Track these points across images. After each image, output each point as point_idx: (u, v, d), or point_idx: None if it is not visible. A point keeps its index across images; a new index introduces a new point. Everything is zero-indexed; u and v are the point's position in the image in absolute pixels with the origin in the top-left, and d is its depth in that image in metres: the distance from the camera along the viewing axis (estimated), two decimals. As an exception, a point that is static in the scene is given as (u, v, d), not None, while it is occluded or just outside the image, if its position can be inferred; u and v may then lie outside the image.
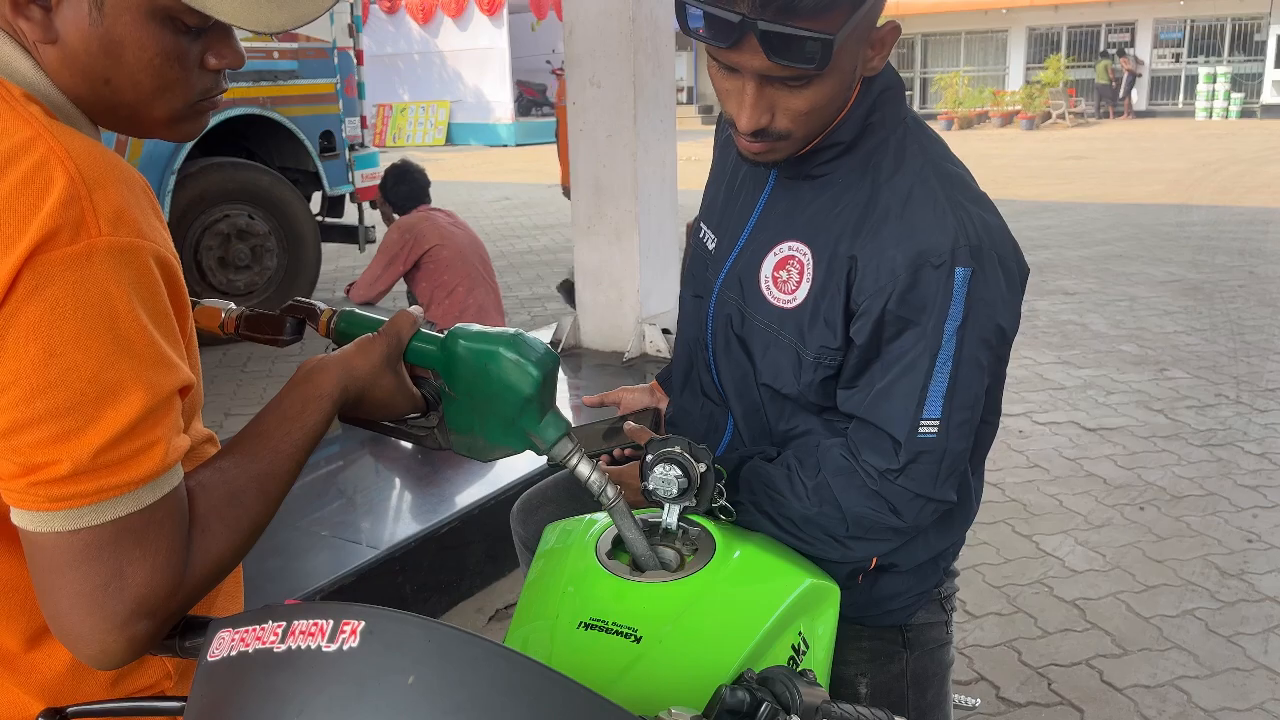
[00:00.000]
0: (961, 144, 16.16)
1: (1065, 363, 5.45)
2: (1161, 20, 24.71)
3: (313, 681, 0.68)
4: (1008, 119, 23.12)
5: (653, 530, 1.21)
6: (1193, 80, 24.09)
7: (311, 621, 0.70)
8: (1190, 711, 2.50)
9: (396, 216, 4.67)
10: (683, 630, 1.04)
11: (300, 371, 0.98)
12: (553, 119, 21.47)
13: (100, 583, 0.78)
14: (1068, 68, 23.82)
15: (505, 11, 20.51)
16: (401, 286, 4.72)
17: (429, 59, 21.84)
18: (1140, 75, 24.37)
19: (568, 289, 5.49)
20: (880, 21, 1.20)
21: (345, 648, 0.68)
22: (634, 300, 4.76)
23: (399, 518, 3.22)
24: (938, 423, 1.20)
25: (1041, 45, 26.11)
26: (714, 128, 1.58)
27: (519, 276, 8.04)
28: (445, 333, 1.07)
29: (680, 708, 0.74)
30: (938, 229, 1.19)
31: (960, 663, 2.68)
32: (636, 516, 1.14)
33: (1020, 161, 15.67)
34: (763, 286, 1.32)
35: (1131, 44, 24.92)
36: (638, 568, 1.14)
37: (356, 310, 1.14)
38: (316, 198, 6.87)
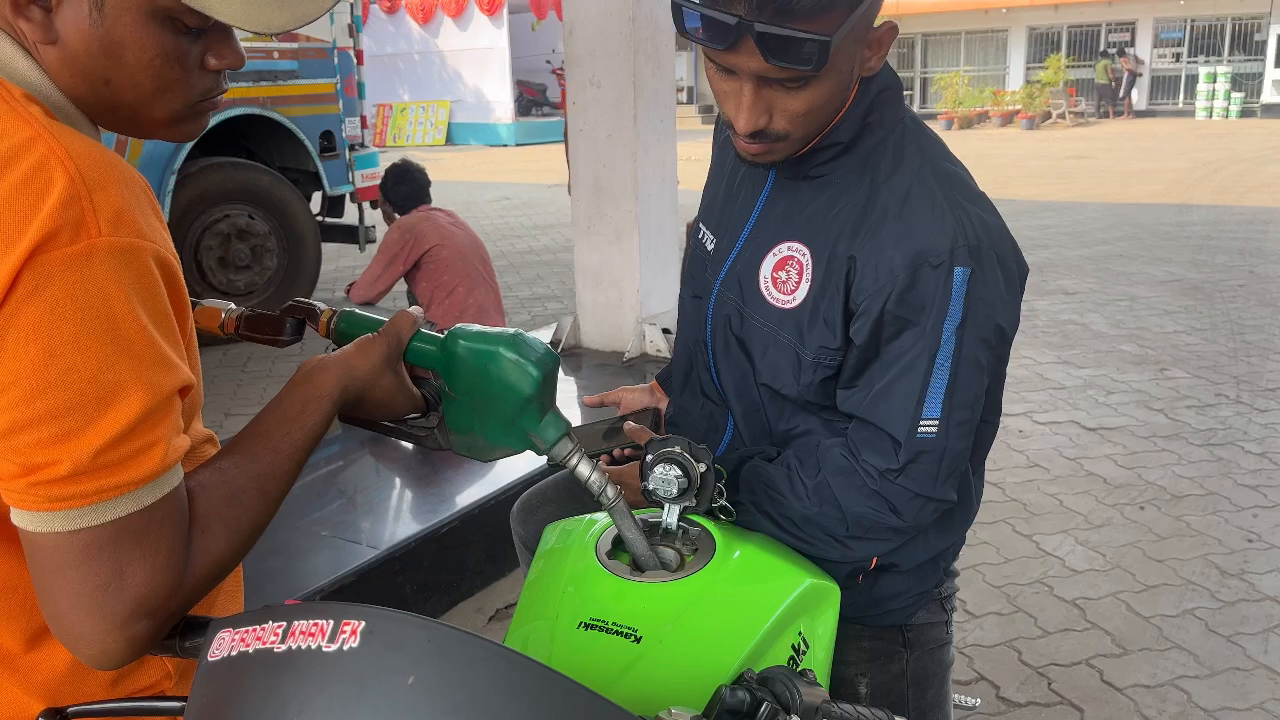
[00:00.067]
0: (961, 144, 16.19)
1: (1065, 362, 5.45)
2: (1162, 20, 24.71)
3: (313, 682, 0.68)
4: (1008, 119, 23.13)
5: (653, 530, 1.21)
6: (1193, 80, 24.09)
7: (312, 622, 0.70)
8: (1190, 711, 2.50)
9: (397, 216, 4.67)
10: (683, 630, 1.04)
11: (300, 372, 0.98)
12: (552, 119, 21.41)
13: (100, 583, 0.78)
14: (1068, 67, 23.82)
15: (505, 11, 20.51)
16: (401, 286, 4.72)
17: (429, 59, 21.84)
18: (1140, 75, 24.37)
19: None
20: (877, 21, 1.20)
21: (345, 648, 0.68)
22: (634, 300, 4.76)
23: (399, 518, 3.22)
24: (937, 422, 1.20)
25: (1042, 45, 26.11)
26: (713, 128, 1.58)
27: (519, 276, 8.04)
28: (445, 333, 1.07)
29: (680, 708, 0.74)
30: (936, 229, 1.19)
31: (960, 662, 2.69)
32: (636, 516, 1.14)
33: (1020, 161, 15.67)
34: (762, 287, 1.32)
35: (1132, 43, 24.92)
36: (638, 568, 1.14)
37: (356, 310, 1.14)
38: (317, 198, 6.87)
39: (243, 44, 0.93)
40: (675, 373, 1.60)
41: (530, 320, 6.64)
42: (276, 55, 6.17)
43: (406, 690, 0.66)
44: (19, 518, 0.78)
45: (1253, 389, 4.93)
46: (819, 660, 1.17)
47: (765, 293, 1.32)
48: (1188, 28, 24.66)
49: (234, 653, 0.72)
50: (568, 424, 1.08)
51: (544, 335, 5.02)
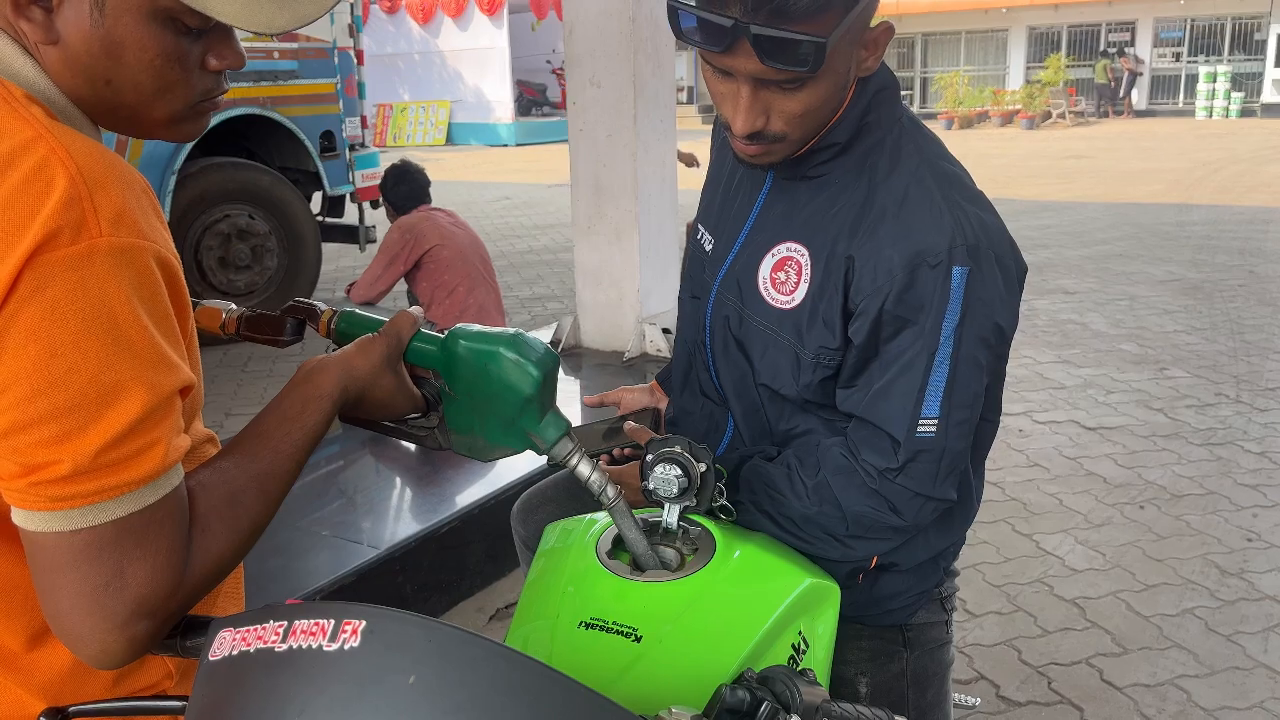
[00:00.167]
0: (961, 143, 16.19)
1: (1065, 362, 5.45)
2: (1162, 19, 24.71)
3: (314, 681, 0.68)
4: (1008, 118, 23.12)
5: (653, 530, 1.21)
6: (1193, 79, 24.08)
7: (313, 621, 0.70)
8: (1190, 710, 2.50)
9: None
10: (683, 630, 1.04)
11: (300, 372, 0.98)
12: (553, 119, 21.39)
13: (101, 583, 0.78)
14: (1068, 67, 23.82)
15: (505, 11, 20.50)
16: (402, 286, 4.72)
17: (429, 59, 21.83)
18: (1140, 74, 24.37)
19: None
20: (874, 21, 1.20)
21: (346, 647, 0.68)
22: (634, 300, 4.76)
23: (399, 517, 3.22)
24: (936, 422, 1.20)
25: (1042, 45, 26.10)
26: (712, 128, 1.58)
27: (519, 276, 8.04)
28: (445, 333, 1.07)
29: (680, 707, 0.75)
30: (934, 228, 1.19)
31: (960, 661, 2.69)
32: (637, 516, 1.15)
33: (1020, 161, 15.67)
34: (761, 287, 1.32)
35: (1131, 43, 24.92)
36: (638, 567, 1.14)
37: (357, 310, 1.14)
38: (317, 198, 6.87)
39: (243, 44, 0.93)
40: (675, 373, 1.60)
41: (530, 320, 6.64)
42: (277, 55, 6.17)
43: (407, 690, 0.66)
44: (19, 517, 0.78)
45: (1252, 388, 4.94)
46: (819, 660, 1.17)
47: (764, 293, 1.32)
48: (1188, 27, 24.66)
49: (235, 652, 0.72)
50: (568, 424, 1.08)
51: (544, 335, 5.02)
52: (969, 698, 2.04)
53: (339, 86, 6.53)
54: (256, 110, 6.04)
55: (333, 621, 0.69)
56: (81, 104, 0.87)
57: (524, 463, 3.21)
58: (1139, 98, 24.72)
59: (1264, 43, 23.33)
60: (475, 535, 3.10)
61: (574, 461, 1.08)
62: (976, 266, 1.18)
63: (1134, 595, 3.05)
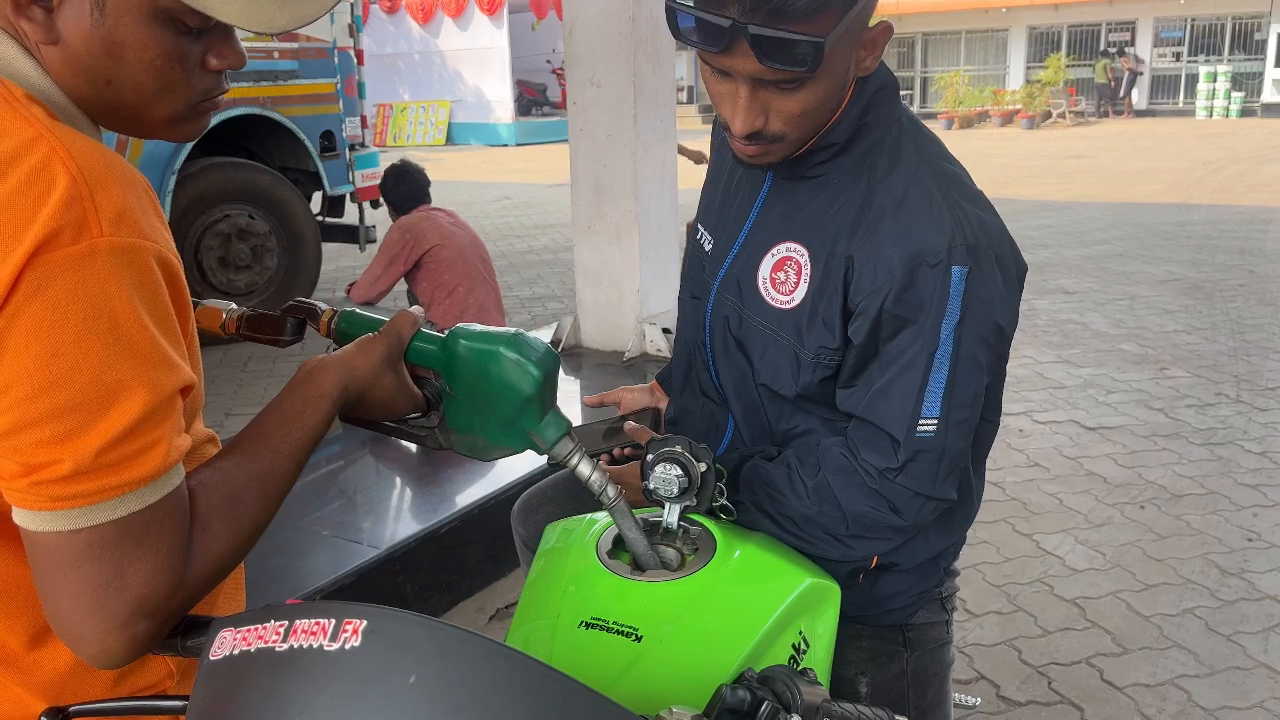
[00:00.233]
0: (962, 143, 16.19)
1: (1065, 362, 5.45)
2: (1162, 19, 24.71)
3: (315, 681, 0.68)
4: (1008, 118, 23.12)
5: (653, 529, 1.21)
6: (1193, 79, 24.08)
7: (313, 621, 0.70)
8: (1190, 710, 2.50)
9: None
10: (683, 629, 1.04)
11: (301, 371, 0.98)
12: (553, 119, 21.35)
13: (101, 582, 0.78)
14: (1068, 67, 23.81)
15: (505, 11, 20.50)
16: (402, 286, 4.72)
17: (429, 59, 21.83)
18: (1140, 74, 24.37)
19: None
20: (873, 21, 1.20)
21: (347, 647, 0.68)
22: (634, 300, 4.76)
23: (399, 517, 3.22)
24: (936, 422, 1.20)
25: (1042, 44, 26.10)
26: (711, 128, 1.58)
27: (519, 276, 8.04)
28: (446, 332, 1.07)
29: (681, 707, 0.75)
30: (934, 228, 1.19)
31: (960, 661, 2.69)
32: (637, 516, 1.15)
33: (1020, 161, 15.67)
34: (761, 288, 1.32)
35: (1132, 43, 24.92)
36: (638, 567, 1.14)
37: (357, 310, 1.14)
38: (317, 197, 6.87)
39: (243, 44, 0.93)
40: (675, 373, 1.60)
41: (530, 320, 6.64)
42: (277, 55, 6.17)
43: (408, 689, 0.66)
44: (20, 517, 0.78)
45: (1253, 388, 4.94)
46: (819, 659, 1.17)
47: (764, 293, 1.32)
48: (1188, 27, 24.66)
49: (236, 652, 0.72)
50: (568, 423, 1.08)
51: (544, 335, 5.02)
52: (969, 698, 2.04)
53: (339, 86, 6.53)
54: (257, 110, 6.04)
55: (333, 621, 0.69)
56: (82, 104, 0.87)
57: (524, 463, 3.21)
58: (1139, 97, 24.72)
59: (1264, 42, 23.32)
60: (475, 535, 3.10)
61: (574, 461, 1.08)
62: (976, 266, 1.18)
63: (1134, 595, 3.05)
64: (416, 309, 1.10)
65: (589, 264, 4.87)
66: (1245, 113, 22.91)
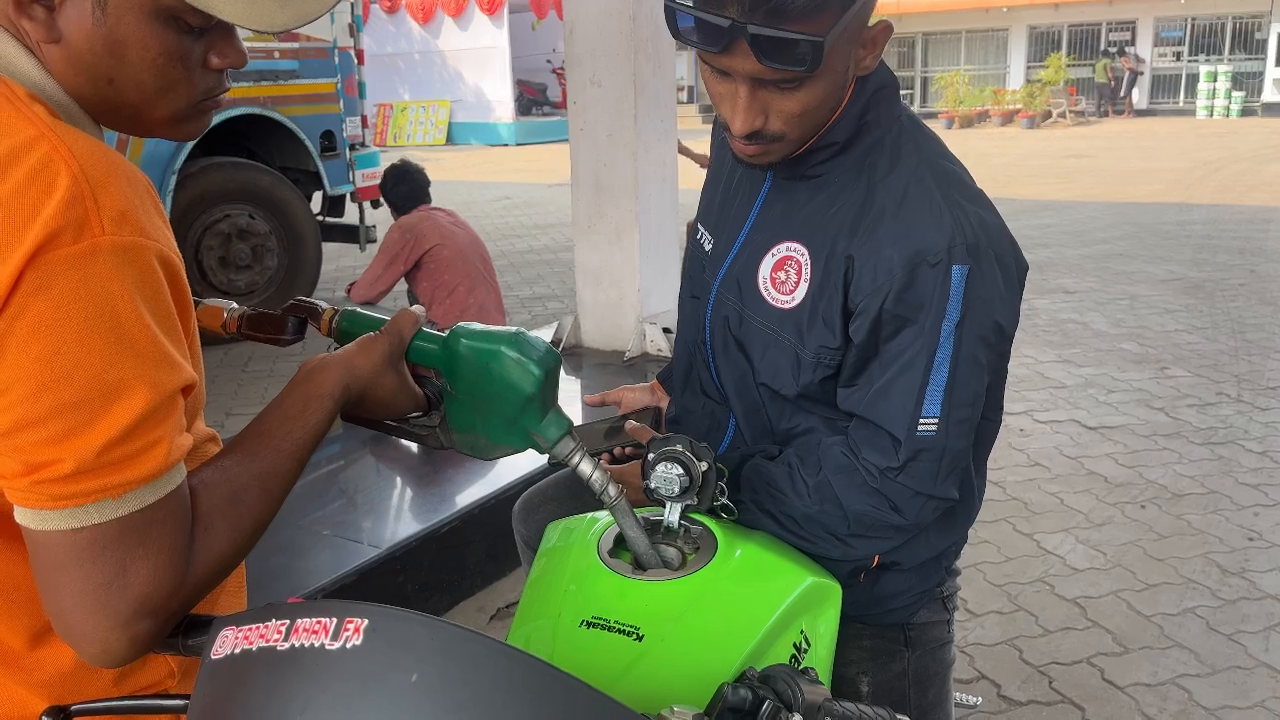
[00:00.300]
0: (962, 143, 16.18)
1: (1066, 361, 5.45)
2: (1162, 19, 24.70)
3: (316, 680, 0.68)
4: (1008, 118, 23.11)
5: (654, 529, 1.21)
6: (1193, 79, 24.07)
7: (315, 620, 0.70)
8: (1191, 709, 2.50)
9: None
10: (685, 629, 1.04)
11: (302, 371, 0.98)
12: (553, 118, 21.32)
13: (103, 581, 0.78)
14: (1068, 66, 23.81)
15: (505, 11, 20.50)
16: (402, 286, 4.72)
17: (429, 58, 21.83)
18: (1141, 74, 24.36)
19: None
20: (873, 20, 1.20)
21: (349, 646, 0.68)
22: (634, 299, 4.76)
23: (400, 517, 3.22)
24: (937, 421, 1.20)
25: (1042, 44, 26.09)
26: (711, 128, 1.58)
27: (519, 276, 8.04)
28: (447, 331, 1.07)
29: (682, 706, 0.75)
30: (934, 227, 1.19)
31: (961, 661, 2.69)
32: (638, 515, 1.14)
33: (1021, 160, 15.67)
34: (761, 287, 1.32)
35: (1132, 42, 24.91)
36: (639, 566, 1.14)
37: (358, 309, 1.14)
38: (317, 197, 6.87)
39: (244, 43, 0.93)
40: (676, 372, 1.60)
41: (531, 320, 6.64)
42: (277, 55, 6.17)
43: (410, 688, 0.66)
44: (22, 516, 0.78)
45: (1254, 387, 4.93)
46: (821, 658, 1.17)
47: (764, 293, 1.32)
48: (1188, 27, 24.65)
49: (237, 651, 0.72)
50: (569, 422, 1.08)
51: (544, 335, 5.02)
52: (970, 697, 2.05)
53: (339, 86, 6.53)
54: (257, 110, 6.04)
55: (335, 620, 0.69)
56: (84, 102, 0.87)
57: (525, 462, 3.21)
58: (1139, 97, 24.72)
59: (1264, 42, 23.32)
60: (476, 535, 3.10)
61: (575, 460, 1.08)
62: (976, 265, 1.18)
63: (1135, 595, 3.05)
64: (418, 308, 1.10)
65: (589, 263, 4.87)
66: (1246, 112, 22.90)
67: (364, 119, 6.80)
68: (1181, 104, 24.61)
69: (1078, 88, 24.17)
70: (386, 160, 5.42)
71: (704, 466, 1.21)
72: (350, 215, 7.04)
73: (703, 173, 1.63)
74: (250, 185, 6.10)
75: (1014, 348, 1.32)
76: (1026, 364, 5.36)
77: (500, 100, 21.32)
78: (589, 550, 1.16)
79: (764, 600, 1.13)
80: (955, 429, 1.21)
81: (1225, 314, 6.30)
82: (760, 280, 1.33)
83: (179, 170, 5.64)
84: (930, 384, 1.19)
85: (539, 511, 1.67)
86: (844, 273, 1.23)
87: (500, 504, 3.14)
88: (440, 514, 3.08)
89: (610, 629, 1.03)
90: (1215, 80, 22.92)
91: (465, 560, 3.09)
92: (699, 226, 1.51)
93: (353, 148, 6.67)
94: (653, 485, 1.21)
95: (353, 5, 6.93)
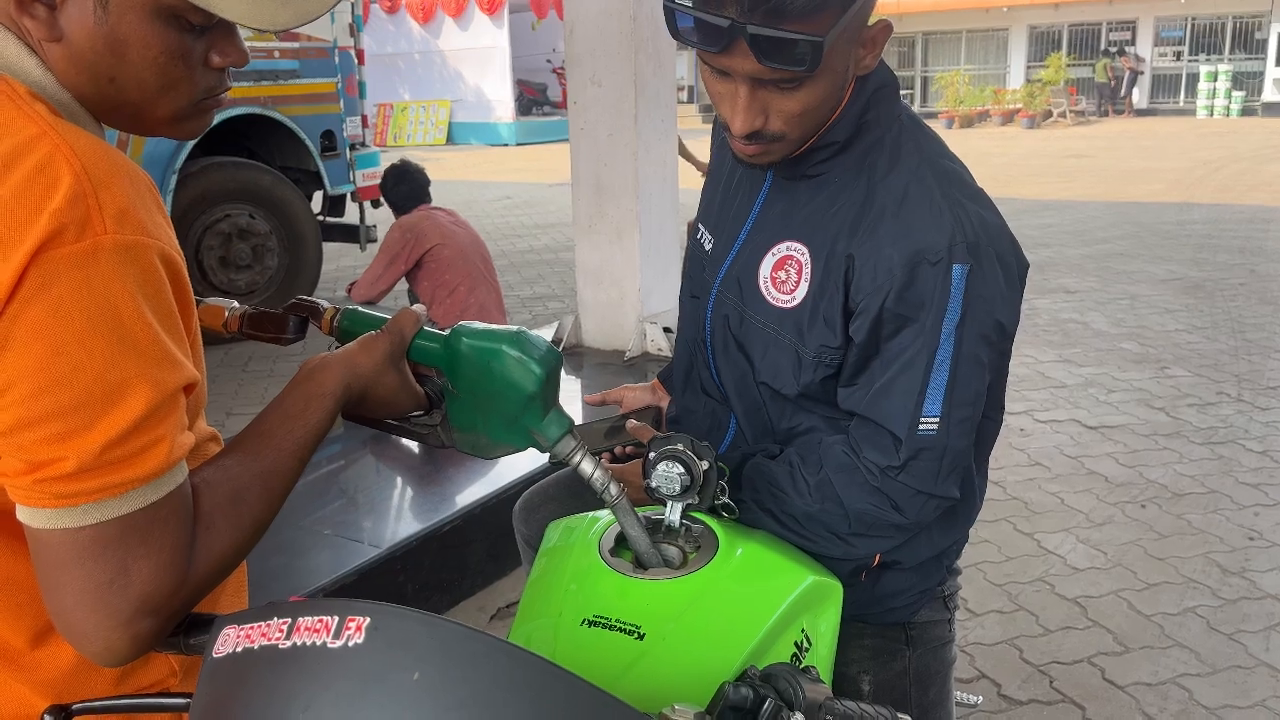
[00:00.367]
0: (962, 142, 16.17)
1: (1066, 361, 5.45)
2: (1162, 18, 24.70)
3: (318, 678, 0.68)
4: (1009, 117, 23.11)
5: (655, 528, 1.21)
6: (1194, 78, 24.07)
7: (317, 618, 0.70)
8: (1192, 709, 2.50)
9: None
10: (686, 627, 1.04)
11: (303, 370, 0.98)
12: (553, 118, 21.28)
13: (105, 580, 0.78)
14: (1069, 66, 23.80)
15: (506, 11, 20.49)
16: (403, 286, 4.72)
17: (430, 58, 21.82)
18: (1141, 73, 24.36)
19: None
20: (872, 20, 1.20)
21: (350, 644, 0.68)
22: (635, 299, 4.76)
23: (401, 516, 3.22)
24: (937, 420, 1.20)
25: (1042, 44, 26.09)
26: (711, 128, 1.58)
27: (520, 276, 8.04)
28: (449, 330, 1.07)
29: (684, 704, 0.75)
30: (934, 227, 1.19)
31: (962, 660, 2.69)
32: (639, 514, 1.15)
33: (1021, 160, 15.67)
34: (761, 287, 1.32)
35: (1132, 42, 24.90)
36: (641, 565, 1.14)
37: (360, 308, 1.14)
38: (318, 197, 6.87)
39: (245, 42, 0.93)
40: (676, 372, 1.60)
41: (531, 319, 6.64)
42: (278, 55, 6.17)
43: (411, 686, 0.66)
44: (24, 514, 0.78)
45: (1254, 387, 4.93)
46: (822, 657, 1.17)
47: (765, 293, 1.32)
48: (1188, 26, 24.65)
49: (239, 649, 0.72)
50: (570, 421, 1.08)
51: (545, 334, 5.01)
52: (971, 696, 2.04)
53: (340, 86, 6.53)
54: (257, 110, 6.04)
55: (337, 618, 0.69)
56: (85, 101, 0.87)
57: (525, 461, 3.21)
58: (1140, 97, 24.72)
59: (1265, 41, 23.31)
60: (477, 534, 3.10)
61: (577, 459, 1.08)
62: (977, 264, 1.18)
63: (1135, 594, 3.05)
64: (419, 307, 1.10)
65: (590, 263, 4.87)
66: (1246, 112, 22.90)
67: (364, 119, 6.80)
68: (1182, 104, 24.61)
69: (1078, 87, 24.16)
70: (387, 160, 5.42)
71: (705, 465, 1.21)
72: (351, 215, 7.04)
73: (702, 176, 1.63)
74: (251, 185, 6.10)
75: (1015, 347, 1.31)
76: (1027, 363, 5.36)
77: (500, 100, 21.32)
78: (590, 549, 1.16)
79: (765, 599, 1.13)
80: (956, 428, 1.21)
81: (1225, 313, 6.30)
82: (760, 280, 1.33)
83: (179, 170, 5.64)
84: (931, 383, 1.19)
85: (540, 511, 1.67)
86: (844, 272, 1.23)
87: (501, 503, 3.14)
88: (441, 513, 3.08)
89: (611, 628, 1.03)
90: (1215, 80, 22.91)
91: (466, 560, 3.09)
92: (699, 226, 1.51)
93: (353, 147, 6.67)
94: (654, 484, 1.21)
95: (353, 5, 6.94)
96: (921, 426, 1.20)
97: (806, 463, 1.28)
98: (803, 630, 1.13)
